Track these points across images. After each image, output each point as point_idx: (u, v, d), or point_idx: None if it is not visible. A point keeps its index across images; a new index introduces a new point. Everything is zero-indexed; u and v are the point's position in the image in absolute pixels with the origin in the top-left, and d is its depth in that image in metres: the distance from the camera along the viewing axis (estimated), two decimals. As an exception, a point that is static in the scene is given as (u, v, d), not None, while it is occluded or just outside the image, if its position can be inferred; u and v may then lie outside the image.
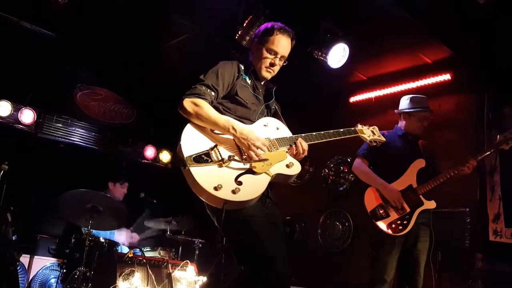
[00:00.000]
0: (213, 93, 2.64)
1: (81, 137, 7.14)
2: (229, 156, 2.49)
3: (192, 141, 2.50)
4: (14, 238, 4.80)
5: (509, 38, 4.64)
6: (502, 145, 3.76)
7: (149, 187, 6.17)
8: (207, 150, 2.48)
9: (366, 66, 5.86)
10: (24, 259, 5.42)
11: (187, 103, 2.56)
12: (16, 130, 6.47)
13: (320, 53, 5.07)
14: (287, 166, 2.63)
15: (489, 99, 5.10)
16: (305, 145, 2.70)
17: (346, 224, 5.96)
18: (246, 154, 2.53)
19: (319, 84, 6.09)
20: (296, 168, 2.65)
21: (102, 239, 4.89)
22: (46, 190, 5.86)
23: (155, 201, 5.93)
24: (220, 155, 2.48)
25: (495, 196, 4.81)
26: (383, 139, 3.20)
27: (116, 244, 5.09)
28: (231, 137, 2.57)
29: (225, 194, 2.39)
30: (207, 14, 4.87)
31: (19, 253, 4.94)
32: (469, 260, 4.68)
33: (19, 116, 6.46)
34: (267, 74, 2.85)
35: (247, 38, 4.74)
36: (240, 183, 2.44)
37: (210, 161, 2.45)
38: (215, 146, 2.51)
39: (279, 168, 2.60)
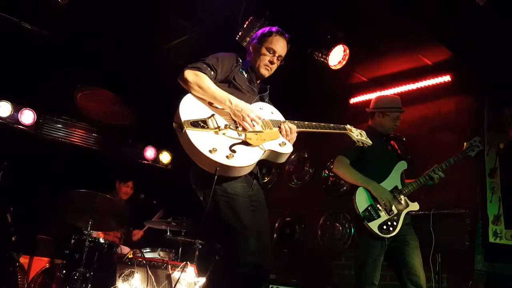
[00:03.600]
0: (212, 72, 2.77)
1: (81, 137, 7.15)
2: (225, 125, 2.62)
3: (190, 108, 2.63)
4: (13, 238, 4.79)
5: (509, 40, 4.64)
6: (468, 152, 3.87)
7: (149, 188, 6.18)
8: (204, 118, 2.60)
9: (366, 67, 5.86)
10: (24, 259, 5.41)
11: (189, 73, 2.70)
12: (16, 131, 6.47)
13: (320, 54, 5.07)
14: (280, 145, 2.74)
15: (489, 100, 5.11)
16: (292, 127, 2.80)
17: (346, 226, 5.95)
18: (241, 125, 2.65)
19: (320, 86, 6.10)
20: (288, 148, 2.76)
21: (101, 240, 4.89)
22: (45, 190, 5.85)
23: (155, 202, 5.93)
24: (217, 123, 2.61)
25: (495, 197, 4.82)
26: (370, 142, 3.26)
27: (115, 245, 5.09)
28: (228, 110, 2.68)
29: (219, 157, 2.48)
30: (207, 15, 4.88)
31: (18, 253, 4.94)
32: (469, 262, 4.68)
33: (19, 117, 6.47)
34: (265, 72, 2.99)
35: (248, 39, 4.75)
36: (234, 151, 2.54)
37: (207, 127, 2.56)
38: (212, 115, 2.63)
39: (272, 145, 2.71)
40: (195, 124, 2.53)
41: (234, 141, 2.58)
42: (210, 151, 2.46)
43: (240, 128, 2.64)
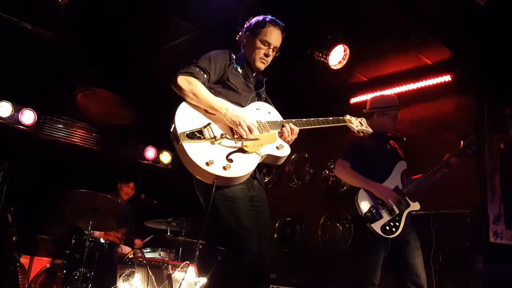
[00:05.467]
0: (205, 76, 2.73)
1: (81, 138, 7.15)
2: (222, 134, 2.59)
3: (186, 118, 2.59)
4: (14, 238, 4.79)
5: (509, 39, 4.63)
6: (466, 150, 3.84)
7: (149, 188, 6.18)
8: (200, 128, 2.57)
9: (366, 67, 5.86)
10: (24, 259, 5.41)
11: (181, 80, 2.65)
12: (17, 131, 6.48)
13: (320, 54, 5.07)
14: (277, 148, 2.73)
15: (489, 100, 5.10)
16: (295, 128, 2.78)
17: (347, 226, 5.95)
18: (237, 132, 2.62)
19: (320, 85, 6.10)
20: (285, 150, 2.75)
21: (102, 240, 4.89)
22: (46, 190, 5.86)
23: (155, 202, 5.93)
24: (213, 133, 2.58)
25: (495, 197, 4.81)
26: (370, 130, 3.26)
27: (116, 245, 5.09)
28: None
29: (216, 169, 2.47)
30: (207, 16, 4.87)
31: (19, 253, 4.93)
32: (469, 262, 4.68)
33: (19, 117, 6.48)
34: (261, 65, 2.93)
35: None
36: (231, 161, 2.53)
37: (203, 138, 2.54)
38: (208, 124, 2.60)
39: (269, 149, 2.69)
40: (191, 135, 2.51)
41: (231, 150, 2.57)
42: (206, 164, 2.45)
43: (236, 136, 2.61)
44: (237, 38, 4.82)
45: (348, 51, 5.07)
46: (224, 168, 2.49)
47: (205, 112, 2.66)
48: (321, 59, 5.08)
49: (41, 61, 5.89)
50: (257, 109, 2.84)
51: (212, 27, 5.05)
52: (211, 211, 2.58)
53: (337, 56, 5.09)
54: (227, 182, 2.55)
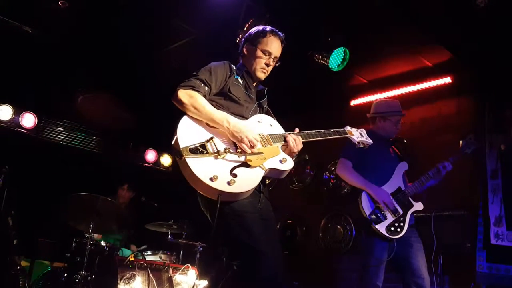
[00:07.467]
0: (206, 88, 2.70)
1: (82, 141, 7.16)
2: (225, 149, 2.54)
3: (188, 132, 2.54)
4: (15, 242, 4.79)
5: (509, 41, 4.64)
6: (465, 150, 3.88)
7: (150, 191, 6.17)
8: (203, 142, 2.52)
9: (366, 69, 5.86)
10: (25, 263, 5.40)
11: (182, 94, 2.61)
12: (17, 134, 6.48)
13: (320, 57, 5.07)
14: (281, 161, 2.69)
15: (489, 102, 5.11)
16: (299, 140, 2.76)
17: (347, 228, 5.95)
18: (240, 147, 2.58)
19: (320, 88, 6.10)
20: (289, 164, 2.71)
21: (103, 243, 4.89)
22: (47, 194, 5.86)
23: (156, 204, 5.93)
24: (216, 147, 2.53)
25: (496, 199, 4.81)
26: (370, 141, 3.26)
27: (117, 248, 5.08)
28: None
29: (220, 185, 2.43)
30: (207, 18, 4.88)
31: (20, 257, 4.93)
32: (470, 263, 4.68)
33: (20, 120, 6.48)
34: (262, 75, 2.91)
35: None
36: (235, 175, 2.48)
37: (206, 153, 2.49)
38: (211, 138, 2.56)
39: (272, 163, 2.65)
40: (194, 150, 2.46)
41: (235, 164, 2.52)
42: (211, 179, 2.41)
43: (240, 150, 2.57)
44: (237, 41, 4.83)
45: (348, 53, 5.08)
46: (229, 183, 2.44)
47: (207, 125, 2.61)
48: (321, 61, 5.08)
49: (42, 64, 5.90)
50: (258, 121, 2.80)
51: (213, 30, 5.06)
52: (221, 228, 2.54)
53: (337, 59, 5.10)
54: (231, 197, 2.51)
